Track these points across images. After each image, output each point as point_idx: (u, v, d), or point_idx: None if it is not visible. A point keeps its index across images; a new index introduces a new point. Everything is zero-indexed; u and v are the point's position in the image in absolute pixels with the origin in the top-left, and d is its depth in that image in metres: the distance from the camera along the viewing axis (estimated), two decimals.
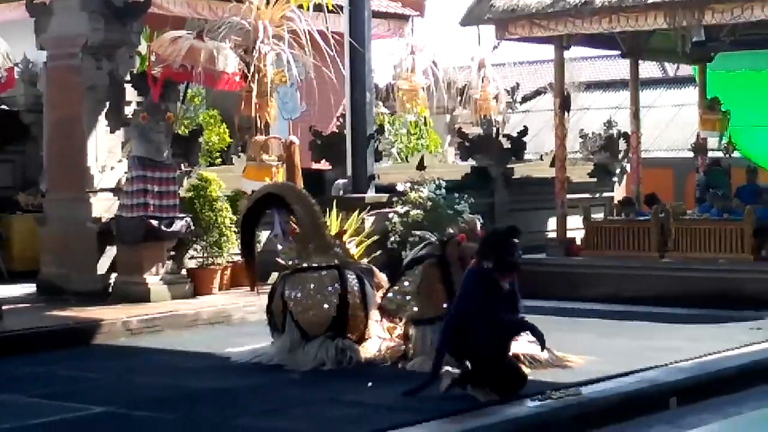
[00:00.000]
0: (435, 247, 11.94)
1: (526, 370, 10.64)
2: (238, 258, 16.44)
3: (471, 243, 11.42)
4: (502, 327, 10.07)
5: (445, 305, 11.08)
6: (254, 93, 15.99)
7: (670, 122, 31.06)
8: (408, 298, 11.76)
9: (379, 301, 12.38)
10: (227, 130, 23.01)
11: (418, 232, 13.15)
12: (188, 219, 15.89)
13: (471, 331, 9.90)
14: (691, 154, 23.34)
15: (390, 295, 11.98)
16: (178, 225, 15.66)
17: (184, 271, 16.24)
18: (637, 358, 12.02)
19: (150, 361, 12.75)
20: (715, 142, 22.31)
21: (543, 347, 10.27)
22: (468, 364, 10.13)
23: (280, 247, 12.90)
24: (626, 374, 11.21)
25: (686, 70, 28.43)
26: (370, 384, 10.83)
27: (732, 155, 22.36)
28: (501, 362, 10.05)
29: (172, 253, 16.06)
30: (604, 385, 10.78)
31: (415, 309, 11.68)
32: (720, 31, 20.64)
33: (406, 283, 11.84)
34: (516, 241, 10.17)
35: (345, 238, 12.86)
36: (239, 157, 20.55)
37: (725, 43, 21.22)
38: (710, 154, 22.64)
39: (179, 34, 15.72)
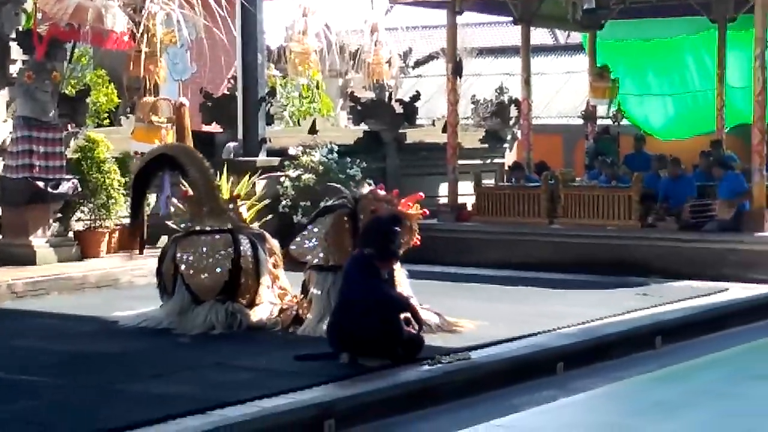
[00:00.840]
0: (348, 200, 11.95)
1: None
2: (126, 220, 16.24)
3: (386, 204, 11.54)
4: (386, 303, 10.17)
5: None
6: (143, 53, 15.74)
7: (560, 89, 31.30)
8: (315, 243, 11.73)
9: (272, 267, 12.33)
10: (115, 91, 22.66)
11: (334, 185, 13.15)
12: (75, 181, 15.65)
13: (358, 313, 9.96)
14: (580, 122, 23.57)
15: (298, 239, 11.93)
16: (64, 187, 15.41)
17: (71, 234, 16.02)
18: (526, 323, 12.14)
19: (35, 324, 12.52)
20: (604, 110, 22.54)
21: (420, 330, 10.36)
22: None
23: (172, 209, 12.76)
24: (515, 339, 11.32)
25: (577, 37, 28.66)
26: (264, 361, 10.72)
27: (621, 123, 22.62)
28: (394, 336, 10.10)
29: (59, 215, 15.81)
30: (494, 350, 10.88)
31: (321, 255, 11.67)
32: None
33: (315, 230, 11.83)
34: (398, 229, 10.36)
35: (239, 202, 12.77)
36: (128, 118, 20.26)
37: (615, 11, 21.43)
38: (599, 121, 22.89)
39: None
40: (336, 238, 11.63)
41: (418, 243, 11.71)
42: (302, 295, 12.02)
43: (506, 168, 21.17)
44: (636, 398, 9.58)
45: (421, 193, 12.20)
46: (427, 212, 12.15)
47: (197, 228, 12.25)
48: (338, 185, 12.80)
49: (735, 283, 15.35)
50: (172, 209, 12.72)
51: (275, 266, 12.56)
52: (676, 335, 12.58)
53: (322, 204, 12.48)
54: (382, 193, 12.00)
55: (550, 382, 10.55)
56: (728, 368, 10.68)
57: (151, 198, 15.32)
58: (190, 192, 12.56)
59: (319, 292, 11.59)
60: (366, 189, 12.09)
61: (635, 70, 23.83)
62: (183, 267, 12.00)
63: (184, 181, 12.79)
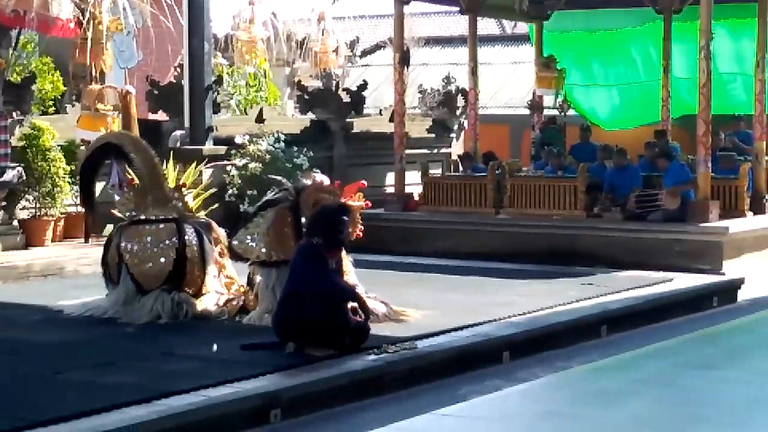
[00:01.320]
0: (289, 192, 11.91)
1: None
2: (71, 209, 16.12)
3: (326, 194, 11.52)
4: (334, 293, 10.19)
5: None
6: (89, 40, 15.64)
7: (507, 80, 31.41)
8: (257, 239, 11.69)
9: (218, 256, 12.30)
10: (61, 78, 22.49)
11: (275, 177, 13.10)
12: (20, 169, 15.52)
13: (305, 303, 9.97)
14: (527, 112, 23.67)
15: (240, 235, 11.89)
16: (9, 175, 15.28)
17: (15, 222, 15.89)
18: (472, 312, 12.18)
19: None
20: (551, 100, 22.64)
21: (367, 319, 10.39)
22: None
23: (117, 198, 12.69)
24: (461, 328, 11.36)
25: (523, 27, 28.75)
26: (215, 347, 10.68)
27: (567, 113, 22.73)
28: (340, 325, 10.12)
29: (3, 203, 15.68)
30: (440, 339, 10.91)
31: (263, 251, 11.63)
32: None
33: (257, 225, 11.78)
34: (345, 219, 10.46)
35: (184, 191, 12.71)
36: (73, 106, 20.12)
37: (561, 1, 21.54)
38: (546, 112, 22.98)
39: None
40: (278, 232, 11.59)
41: (361, 235, 11.69)
42: (248, 287, 12.01)
43: (457, 157, 21.20)
44: (580, 387, 9.64)
45: (364, 181, 12.20)
46: (370, 204, 12.14)
47: (142, 217, 12.19)
48: (279, 177, 12.74)
49: (680, 273, 15.47)
50: (117, 198, 12.66)
51: (221, 255, 12.52)
52: (621, 325, 12.68)
53: (264, 198, 12.42)
54: (325, 182, 11.98)
55: (495, 372, 10.60)
56: (672, 358, 10.76)
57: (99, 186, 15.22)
58: (136, 180, 12.50)
59: (265, 288, 11.57)
60: (308, 180, 12.05)
61: (581, 61, 23.96)
62: (127, 256, 11.94)
63: (129, 170, 12.71)
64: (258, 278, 11.73)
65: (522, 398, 9.04)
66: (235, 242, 11.96)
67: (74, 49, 16.15)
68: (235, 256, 12.09)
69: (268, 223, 11.66)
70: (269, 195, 12.44)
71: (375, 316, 11.37)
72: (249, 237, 11.78)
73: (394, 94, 19.61)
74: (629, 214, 16.99)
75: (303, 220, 11.49)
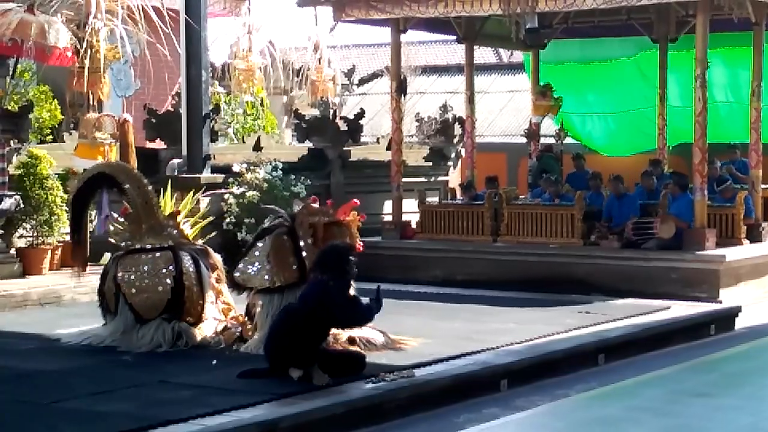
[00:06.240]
0: (284, 219, 11.93)
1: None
2: (69, 238, 16.11)
3: (322, 216, 11.54)
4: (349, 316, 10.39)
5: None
6: (86, 69, 15.66)
7: (503, 108, 31.46)
8: (258, 267, 11.69)
9: (215, 282, 12.30)
10: (59, 107, 22.52)
11: (269, 206, 13.11)
12: (17, 197, 15.53)
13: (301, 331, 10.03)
14: (524, 140, 23.69)
15: (241, 266, 11.88)
16: (6, 203, 15.29)
17: (12, 251, 15.88)
18: (470, 340, 12.18)
19: None
20: (550, 127, 22.66)
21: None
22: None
23: (111, 228, 12.69)
24: (458, 356, 11.36)
25: (520, 56, 28.81)
26: (214, 362, 10.72)
27: (564, 141, 22.76)
28: (335, 353, 10.26)
29: (1, 231, 15.67)
30: (437, 367, 10.91)
31: (266, 278, 11.62)
32: (553, 18, 21.03)
33: (257, 254, 11.78)
34: (353, 258, 10.53)
35: (179, 218, 12.71)
36: (71, 134, 20.13)
37: (557, 30, 21.62)
38: (543, 140, 23.02)
39: (9, 6, 15.29)
40: (278, 258, 11.59)
41: (361, 249, 11.72)
42: (246, 317, 12.01)
43: (458, 185, 21.20)
44: (578, 415, 9.65)
45: (356, 200, 12.23)
46: (365, 216, 12.14)
47: (138, 246, 12.19)
48: (273, 206, 12.73)
49: (676, 300, 15.49)
50: (111, 228, 12.66)
51: (218, 281, 12.52)
52: (619, 352, 12.67)
53: (261, 227, 12.42)
54: (316, 206, 12.00)
55: (493, 400, 10.60)
56: (670, 386, 10.77)
57: (93, 214, 15.22)
58: (130, 209, 12.50)
59: (266, 315, 11.55)
60: (299, 205, 12.06)
61: (576, 91, 23.98)
62: (125, 287, 11.93)
63: (123, 200, 12.71)
64: (258, 308, 11.72)
65: (520, 426, 9.05)
66: (236, 273, 11.95)
67: (72, 78, 16.16)
68: (237, 287, 12.05)
69: (267, 250, 11.67)
70: (266, 223, 12.44)
71: (373, 345, 11.41)
72: (250, 266, 11.78)
73: (392, 122, 19.64)
74: (626, 242, 17.00)
75: (301, 243, 11.51)
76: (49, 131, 22.15)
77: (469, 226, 18.48)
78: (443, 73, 34.47)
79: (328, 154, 21.17)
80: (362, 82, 33.69)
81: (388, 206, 20.07)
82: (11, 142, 16.40)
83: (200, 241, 13.05)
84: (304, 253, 11.45)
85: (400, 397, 10.00)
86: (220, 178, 18.44)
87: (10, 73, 16.68)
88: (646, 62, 22.75)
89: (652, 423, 8.89)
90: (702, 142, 16.72)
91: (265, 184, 18.07)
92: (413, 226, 19.20)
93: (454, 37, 21.60)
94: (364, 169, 21.71)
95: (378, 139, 25.47)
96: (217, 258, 12.72)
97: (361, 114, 22.31)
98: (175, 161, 18.85)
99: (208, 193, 17.35)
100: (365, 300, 10.51)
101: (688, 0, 17.42)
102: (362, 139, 23.64)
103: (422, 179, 22.24)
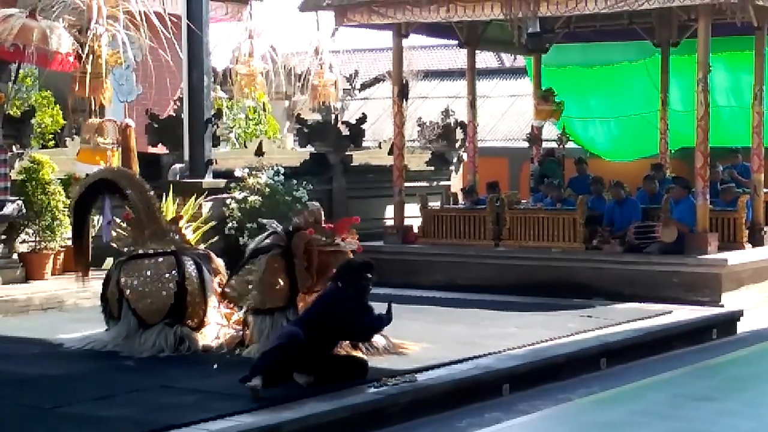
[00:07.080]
0: (280, 237, 11.86)
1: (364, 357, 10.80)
2: (71, 243, 16.12)
3: (317, 235, 11.51)
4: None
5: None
6: (88, 74, 15.67)
7: (505, 112, 31.50)
8: (250, 287, 11.68)
9: (217, 287, 12.29)
10: (60, 112, 22.53)
11: (263, 220, 13.04)
12: (20, 202, 15.54)
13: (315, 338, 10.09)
14: (526, 144, 23.70)
15: (233, 282, 11.90)
16: (9, 208, 15.29)
17: (15, 256, 15.88)
18: (472, 345, 12.18)
19: None
20: (552, 132, 22.67)
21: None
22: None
23: (114, 234, 12.69)
24: (461, 361, 11.35)
25: (522, 60, 28.85)
26: (216, 366, 10.79)
27: (565, 146, 22.78)
28: (338, 358, 10.38)
29: (3, 236, 15.68)
30: (439, 372, 10.90)
31: (258, 298, 11.61)
32: (555, 22, 21.05)
33: (250, 274, 11.76)
34: (371, 276, 10.47)
35: (182, 223, 12.71)
36: (73, 139, 20.14)
37: (559, 35, 21.63)
38: (545, 144, 23.03)
39: (11, 12, 15.29)
40: (270, 281, 11.57)
41: (361, 249, 11.78)
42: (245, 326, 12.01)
43: (460, 190, 21.20)
44: (581, 419, 9.65)
45: (357, 217, 12.21)
46: (362, 248, 12.07)
47: (140, 251, 12.19)
48: (269, 221, 12.67)
49: (678, 304, 15.48)
50: (114, 233, 12.66)
51: (221, 285, 12.52)
52: (621, 357, 12.66)
53: (254, 244, 12.29)
54: (320, 215, 11.94)
55: (496, 404, 10.59)
56: (672, 390, 10.78)
57: (96, 219, 15.22)
58: (132, 215, 12.50)
59: (259, 333, 11.54)
60: (300, 219, 12.00)
61: (578, 95, 24.00)
62: (128, 292, 11.93)
63: (126, 205, 12.72)
64: (250, 327, 11.72)
65: (522, 431, 9.05)
66: (227, 290, 11.99)
67: (74, 83, 16.15)
68: (228, 301, 12.10)
69: (260, 273, 11.63)
70: (260, 238, 12.33)
71: (375, 349, 11.40)
72: (242, 284, 11.80)
73: (393, 127, 19.65)
74: (628, 247, 17.00)
75: (296, 263, 11.48)
76: (51, 136, 22.17)
77: (471, 230, 18.48)
78: (445, 78, 34.53)
79: (330, 159, 21.18)
80: (364, 86, 33.74)
81: (389, 211, 20.07)
82: (13, 147, 16.41)
83: (202, 246, 13.05)
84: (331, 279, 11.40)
85: (402, 402, 10.00)
86: (222, 183, 18.44)
87: (12, 78, 16.67)
88: (647, 68, 22.76)
89: (655, 427, 8.90)
90: (704, 146, 16.72)
91: (267, 189, 18.07)
92: (415, 230, 19.21)
93: (456, 42, 21.60)
94: (366, 173, 21.72)
95: (380, 143, 25.49)
96: (219, 262, 12.73)
97: (362, 119, 22.31)
98: (177, 166, 18.86)
99: (210, 198, 17.37)
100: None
101: (690, 4, 17.43)
102: (364, 144, 23.64)
103: (424, 184, 22.25)
